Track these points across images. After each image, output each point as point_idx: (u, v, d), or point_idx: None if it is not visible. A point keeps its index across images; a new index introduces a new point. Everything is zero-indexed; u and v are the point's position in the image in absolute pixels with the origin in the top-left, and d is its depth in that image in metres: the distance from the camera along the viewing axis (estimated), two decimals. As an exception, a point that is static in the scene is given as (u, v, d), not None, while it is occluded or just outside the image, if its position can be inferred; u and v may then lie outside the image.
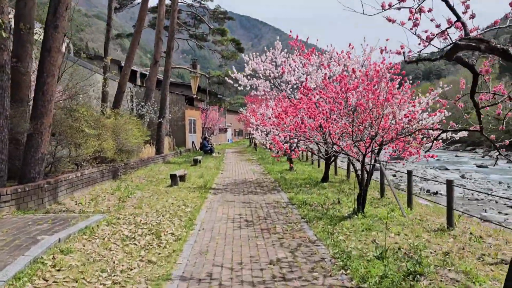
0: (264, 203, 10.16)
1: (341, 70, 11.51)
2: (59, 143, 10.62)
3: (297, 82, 11.97)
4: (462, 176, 27.50)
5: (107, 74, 16.65)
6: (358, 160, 7.93)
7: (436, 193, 17.95)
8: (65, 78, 11.96)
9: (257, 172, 17.79)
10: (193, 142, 35.08)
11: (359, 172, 8.14)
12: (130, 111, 22.14)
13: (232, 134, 67.70)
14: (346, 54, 12.17)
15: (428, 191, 19.08)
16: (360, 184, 7.99)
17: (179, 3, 29.65)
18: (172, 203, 10.04)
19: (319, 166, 18.42)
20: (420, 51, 4.36)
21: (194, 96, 35.12)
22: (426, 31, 4.20)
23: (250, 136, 58.57)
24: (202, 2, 30.59)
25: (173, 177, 13.06)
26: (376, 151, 7.90)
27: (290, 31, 11.67)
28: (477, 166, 31.97)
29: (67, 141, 10.77)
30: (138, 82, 33.03)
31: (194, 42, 31.40)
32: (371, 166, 7.94)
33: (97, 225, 6.83)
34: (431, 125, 8.41)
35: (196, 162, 20.47)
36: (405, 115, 7.26)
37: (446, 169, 29.41)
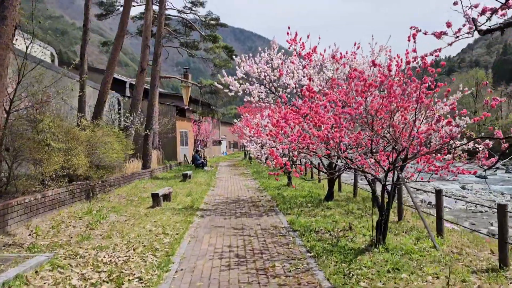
0: (260, 228, 8.49)
1: (346, 72, 9.95)
2: (16, 159, 8.94)
3: (297, 85, 10.39)
4: (463, 187, 26.02)
5: (86, 81, 14.99)
6: (377, 179, 6.30)
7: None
8: (35, 83, 10.32)
9: (252, 188, 16.13)
10: (184, 155, 33.40)
11: (378, 193, 6.52)
12: (118, 122, 20.47)
13: (226, 146, 66.05)
14: (352, 54, 10.65)
15: (429, 203, 17.53)
16: (381, 209, 6.36)
17: (168, 10, 28.23)
18: (149, 230, 8.36)
19: (319, 181, 16.80)
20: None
21: (186, 107, 33.50)
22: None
23: (245, 149, 57.06)
24: (193, 8, 29.14)
25: (155, 197, 11.38)
26: (399, 167, 6.29)
27: (288, 28, 10.13)
28: (476, 176, 30.47)
29: (25, 157, 9.09)
30: (128, 93, 31.39)
31: (185, 50, 29.86)
32: (394, 186, 6.33)
33: (36, 271, 5.13)
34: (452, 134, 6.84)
35: (185, 177, 18.78)
36: (447, 121, 5.62)
37: (443, 179, 27.84)
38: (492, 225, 13.81)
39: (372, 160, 6.09)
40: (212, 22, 29.04)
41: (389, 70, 5.85)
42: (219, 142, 56.89)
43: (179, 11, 28.82)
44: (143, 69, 21.73)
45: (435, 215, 6.96)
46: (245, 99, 10.81)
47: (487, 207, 15.37)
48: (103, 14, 28.13)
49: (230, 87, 10.89)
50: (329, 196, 11.70)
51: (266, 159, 13.36)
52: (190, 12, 28.97)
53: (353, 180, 13.38)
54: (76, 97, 15.32)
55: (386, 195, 6.36)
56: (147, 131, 20.34)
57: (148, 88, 23.07)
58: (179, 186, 16.63)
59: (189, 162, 31.71)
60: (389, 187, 6.32)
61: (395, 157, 5.87)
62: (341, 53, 11.09)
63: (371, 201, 10.64)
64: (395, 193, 6.44)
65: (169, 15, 27.97)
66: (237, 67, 11.42)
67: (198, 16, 29.07)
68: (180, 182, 18.32)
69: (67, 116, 13.60)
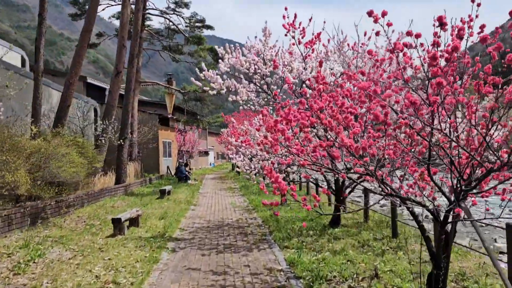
0: (249, 273, 6.19)
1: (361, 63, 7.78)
2: None
3: (297, 80, 8.16)
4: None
5: (41, 80, 12.61)
6: (436, 214, 4.04)
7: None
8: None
9: (240, 208, 13.81)
10: (168, 167, 30.98)
11: (429, 233, 4.28)
12: (94, 132, 17.98)
13: (214, 157, 63.63)
14: (361, 45, 8.49)
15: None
16: (436, 258, 4.10)
17: (149, 10, 26.03)
18: (96, 277, 6.02)
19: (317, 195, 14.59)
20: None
21: (170, 116, 31.16)
22: None
23: (231, 161, 54.67)
24: (177, 9, 26.95)
25: (116, 223, 9.01)
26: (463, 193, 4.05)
27: (286, 9, 7.94)
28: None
29: None
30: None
31: (168, 54, 27.61)
32: (454, 222, 4.09)
33: None
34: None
35: (163, 193, 16.39)
36: None
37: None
38: (496, 241, 11.58)
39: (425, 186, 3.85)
40: (197, 24, 26.86)
41: (454, 50, 3.63)
42: (206, 153, 54.48)
43: (162, 12, 26.61)
44: (119, 72, 19.40)
45: (508, 262, 4.73)
46: (230, 99, 8.55)
47: None
48: (77, 14, 25.79)
49: (212, 84, 8.63)
50: (335, 221, 9.45)
51: (256, 173, 11.09)
52: (174, 13, 26.76)
53: (359, 197, 11.18)
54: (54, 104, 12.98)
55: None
56: (121, 140, 17.94)
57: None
58: (155, 205, 14.25)
59: (172, 174, 29.30)
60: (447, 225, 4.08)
61: (468, 175, 3.66)
62: (348, 44, 8.95)
63: (390, 228, 8.41)
64: (455, 232, 4.19)
65: (149, 14, 25.73)
66: (220, 61, 9.21)
67: (182, 17, 26.87)
68: (157, 199, 15.94)
69: (15, 122, 11.20)
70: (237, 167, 33.41)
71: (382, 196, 4.19)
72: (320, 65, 5.52)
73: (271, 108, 8.32)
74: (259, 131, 8.69)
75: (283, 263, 6.67)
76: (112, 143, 18.47)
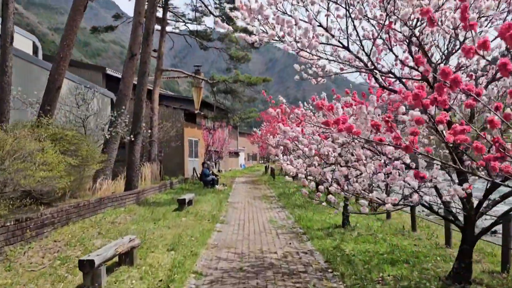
0: None
1: None
2: None
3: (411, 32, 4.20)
4: None
5: (11, 49, 9.18)
6: None
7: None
8: None
9: (284, 229, 9.97)
10: (194, 169, 27.45)
11: None
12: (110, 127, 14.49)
13: (245, 158, 60.04)
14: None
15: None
16: None
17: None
18: None
19: (388, 217, 10.62)
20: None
21: (197, 111, 27.63)
22: None
23: (267, 163, 50.74)
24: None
25: (87, 268, 5.33)
26: None
27: None
28: None
29: None
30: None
31: (195, 39, 24.08)
32: None
33: None
34: None
35: (182, 204, 12.74)
36: None
37: None
38: None
39: None
40: (228, 5, 23.13)
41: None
42: (237, 154, 50.93)
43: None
44: (133, 54, 15.94)
45: None
46: (298, 63, 4.73)
47: None
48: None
49: (250, 26, 4.80)
50: (463, 270, 5.45)
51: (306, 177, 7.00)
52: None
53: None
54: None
55: None
56: (132, 136, 14.45)
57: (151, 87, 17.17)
58: (169, 220, 10.63)
59: (198, 177, 25.77)
60: None
61: None
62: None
63: None
64: None
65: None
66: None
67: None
68: (174, 211, 12.32)
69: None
70: (272, 168, 29.54)
71: None
72: None
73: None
74: (325, 139, 4.91)
75: None
76: (123, 139, 15.04)
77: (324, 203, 5.05)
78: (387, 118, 2.59)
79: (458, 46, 4.86)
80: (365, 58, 5.01)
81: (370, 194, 3.82)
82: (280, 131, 4.48)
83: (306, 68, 5.46)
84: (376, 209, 4.14)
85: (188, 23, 24.10)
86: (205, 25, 24.05)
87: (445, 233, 7.66)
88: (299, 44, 4.27)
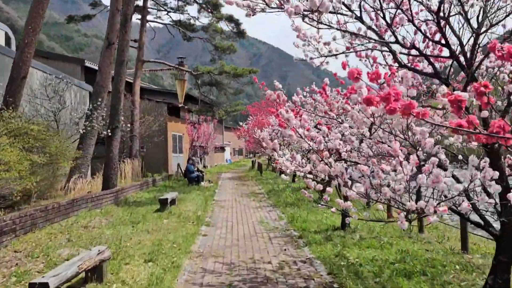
0: None
1: None
2: None
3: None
4: None
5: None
6: None
7: None
8: None
9: (276, 232, 9.02)
10: (178, 165, 26.33)
11: None
12: (87, 121, 13.26)
13: (231, 153, 58.98)
14: None
15: None
16: None
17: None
18: None
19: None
20: None
21: (181, 105, 26.47)
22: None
23: (253, 157, 49.60)
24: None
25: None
26: None
27: None
28: None
29: None
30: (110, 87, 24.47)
31: (178, 29, 22.88)
32: None
33: None
34: None
35: (164, 204, 11.70)
36: None
37: None
38: None
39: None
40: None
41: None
42: (223, 149, 49.86)
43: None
44: (111, 43, 14.80)
45: None
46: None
47: None
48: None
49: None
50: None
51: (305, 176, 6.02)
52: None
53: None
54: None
55: None
56: (109, 131, 13.35)
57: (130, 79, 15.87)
58: (149, 223, 9.61)
59: (183, 174, 24.68)
60: None
61: None
62: None
63: None
64: None
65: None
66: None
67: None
68: (156, 212, 11.29)
69: None
70: (259, 163, 28.45)
71: None
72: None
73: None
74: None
75: None
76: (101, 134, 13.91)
77: (333, 209, 4.10)
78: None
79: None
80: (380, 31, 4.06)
81: (410, 203, 2.89)
82: (283, 118, 3.48)
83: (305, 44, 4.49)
84: (411, 221, 3.19)
85: (170, 12, 22.87)
86: (189, 14, 22.84)
87: (461, 236, 6.79)
88: (307, 3, 3.27)
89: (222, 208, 12.78)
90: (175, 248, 7.30)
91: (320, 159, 3.78)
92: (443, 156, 3.37)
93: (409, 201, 2.97)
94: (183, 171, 24.83)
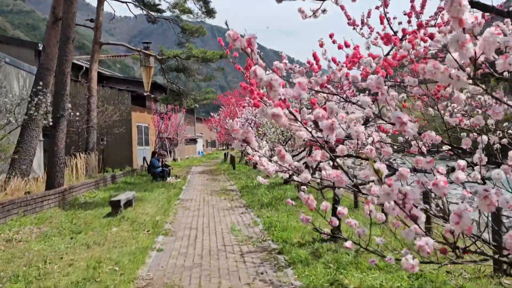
0: None
1: None
2: None
3: None
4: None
5: None
6: None
7: None
8: None
9: (250, 245, 7.25)
10: (144, 159, 24.22)
11: None
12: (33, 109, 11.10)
13: (203, 145, 56.88)
14: None
15: None
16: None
17: None
18: None
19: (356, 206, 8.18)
20: None
21: (146, 94, 24.33)
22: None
23: (226, 150, 47.74)
24: None
25: None
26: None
27: None
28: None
29: None
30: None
31: (142, 10, 20.71)
32: None
33: None
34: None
35: (117, 207, 9.77)
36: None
37: None
38: None
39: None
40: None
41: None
42: (194, 141, 47.75)
43: None
44: (58, 18, 12.72)
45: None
46: None
47: None
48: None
49: None
50: None
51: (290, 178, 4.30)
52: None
53: None
54: None
55: None
56: (51, 120, 11.29)
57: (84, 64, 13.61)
58: (93, 233, 7.72)
59: (147, 169, 22.64)
60: None
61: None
62: None
63: None
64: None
65: None
66: None
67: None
68: (106, 217, 9.38)
69: None
70: (231, 155, 26.62)
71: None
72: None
73: None
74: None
75: None
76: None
77: (348, 244, 2.38)
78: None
79: None
80: None
81: None
82: (257, 81, 1.71)
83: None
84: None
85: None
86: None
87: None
88: None
89: (187, 210, 10.94)
90: (116, 273, 5.47)
91: (329, 158, 2.07)
92: None
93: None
94: (148, 164, 22.80)
